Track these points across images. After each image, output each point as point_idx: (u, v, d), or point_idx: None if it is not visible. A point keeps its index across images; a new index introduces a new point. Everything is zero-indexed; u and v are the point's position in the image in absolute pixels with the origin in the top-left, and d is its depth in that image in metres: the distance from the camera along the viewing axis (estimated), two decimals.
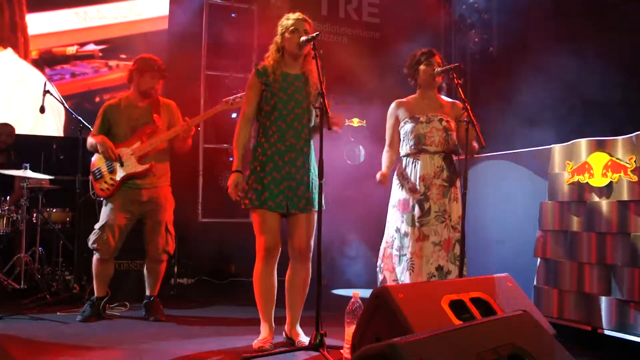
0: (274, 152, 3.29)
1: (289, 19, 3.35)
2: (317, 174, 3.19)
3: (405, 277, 3.44)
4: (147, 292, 4.20)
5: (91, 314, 4.01)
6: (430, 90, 3.65)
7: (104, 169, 4.04)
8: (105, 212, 4.04)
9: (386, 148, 3.74)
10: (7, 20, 5.88)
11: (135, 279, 4.60)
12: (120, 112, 4.11)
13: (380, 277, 3.66)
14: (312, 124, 3.37)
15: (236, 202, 3.35)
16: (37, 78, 5.90)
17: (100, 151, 3.98)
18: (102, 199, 4.11)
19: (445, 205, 3.52)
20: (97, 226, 4.03)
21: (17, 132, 5.51)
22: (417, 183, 3.50)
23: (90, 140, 4.09)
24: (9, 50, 5.90)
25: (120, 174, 4.01)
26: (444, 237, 3.48)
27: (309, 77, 3.36)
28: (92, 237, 4.01)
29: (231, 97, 3.97)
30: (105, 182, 4.02)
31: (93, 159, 4.11)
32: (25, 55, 5.96)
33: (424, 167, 3.51)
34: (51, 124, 5.90)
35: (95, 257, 4.03)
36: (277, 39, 3.37)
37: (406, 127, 3.59)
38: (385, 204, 3.75)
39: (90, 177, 4.12)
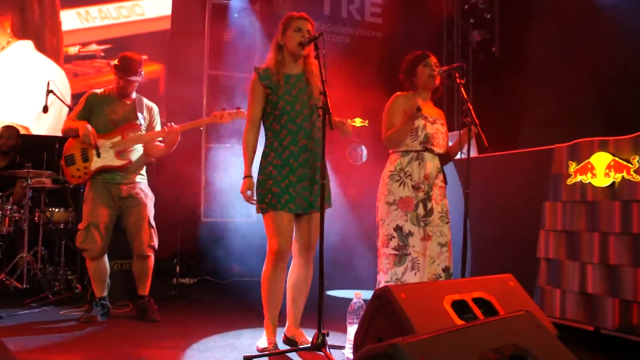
0: (288, 156, 3.29)
1: (292, 18, 3.35)
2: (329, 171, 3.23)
3: (408, 277, 3.38)
4: (139, 292, 4.16)
5: (94, 314, 4.01)
6: (427, 92, 3.62)
7: (78, 156, 4.02)
8: (87, 211, 4.03)
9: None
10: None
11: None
12: (104, 103, 4.11)
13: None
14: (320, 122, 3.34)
15: (239, 201, 3.36)
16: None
17: (81, 134, 3.94)
18: (71, 185, 4.09)
19: (447, 206, 3.51)
20: (81, 226, 4.02)
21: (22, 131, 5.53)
22: (422, 181, 3.47)
23: (68, 124, 4.06)
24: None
25: (95, 164, 4.00)
26: (448, 238, 3.47)
27: (309, 77, 3.36)
28: (79, 238, 4.01)
29: (221, 113, 3.97)
30: (78, 169, 4.01)
31: (67, 144, 4.07)
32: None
33: (429, 166, 3.49)
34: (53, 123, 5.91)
35: (86, 257, 4.03)
36: (279, 37, 3.37)
37: (417, 123, 3.48)
38: None
39: (62, 162, 4.09)
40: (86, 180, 4.03)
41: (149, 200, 4.17)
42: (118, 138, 4.05)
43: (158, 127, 4.27)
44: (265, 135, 3.39)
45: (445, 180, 3.58)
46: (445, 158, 3.61)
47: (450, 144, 3.69)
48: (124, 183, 4.07)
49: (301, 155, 3.30)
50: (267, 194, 3.27)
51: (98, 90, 4.21)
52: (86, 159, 4.01)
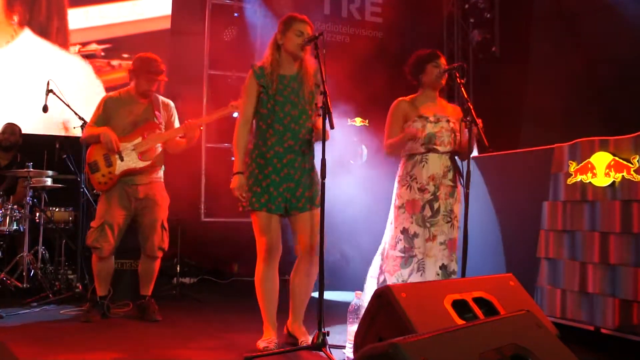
0: (272, 155, 3.29)
1: (294, 20, 3.33)
2: (319, 172, 3.20)
3: (414, 279, 3.41)
4: (142, 292, 4.17)
5: (94, 313, 4.00)
6: (434, 91, 3.64)
7: (102, 162, 4.00)
8: (102, 210, 4.02)
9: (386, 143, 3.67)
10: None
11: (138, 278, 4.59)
12: (121, 106, 4.09)
13: (371, 281, 3.63)
14: (310, 123, 3.37)
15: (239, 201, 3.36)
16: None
17: (103, 141, 3.93)
18: (99, 192, 4.09)
19: (452, 205, 3.51)
20: (95, 224, 4.01)
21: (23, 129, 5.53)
22: (427, 183, 3.48)
23: (90, 131, 4.05)
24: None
25: (119, 168, 3.99)
26: (449, 237, 3.48)
27: (304, 77, 3.37)
28: (91, 236, 3.99)
29: (237, 102, 3.93)
30: (103, 175, 3.99)
31: (89, 151, 4.07)
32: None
33: (434, 167, 3.49)
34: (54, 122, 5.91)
35: (95, 255, 4.02)
36: (278, 37, 3.36)
37: (415, 126, 3.52)
38: (387, 202, 3.72)
39: (86, 170, 4.09)
40: (112, 185, 4.00)
41: (164, 201, 4.18)
42: (139, 139, 4.04)
43: (176, 123, 4.26)
44: (254, 132, 3.38)
45: (459, 177, 3.55)
46: (460, 155, 3.58)
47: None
48: (141, 184, 4.06)
49: (286, 156, 3.30)
50: (247, 192, 3.29)
51: (113, 94, 4.20)
52: (109, 163, 3.99)
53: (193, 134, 4.05)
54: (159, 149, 4.15)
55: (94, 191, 4.28)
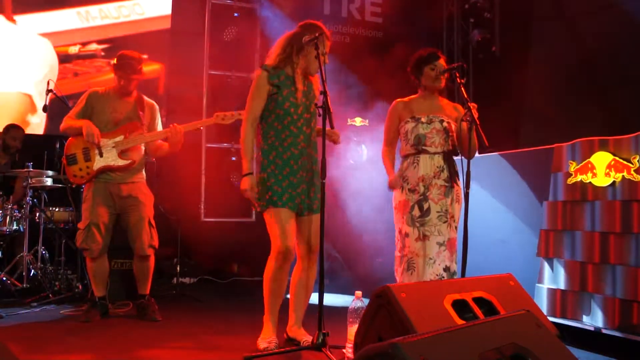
0: (289, 157, 3.30)
1: (324, 36, 3.31)
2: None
3: (405, 277, 3.44)
4: (139, 292, 4.17)
5: (94, 313, 4.00)
6: (433, 92, 3.64)
7: (80, 155, 3.99)
8: (87, 210, 4.01)
9: (385, 147, 3.71)
10: None
11: None
12: (105, 102, 4.09)
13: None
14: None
15: (239, 201, 3.36)
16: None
17: (85, 134, 3.90)
18: (73, 185, 4.10)
19: (447, 205, 3.50)
20: (81, 225, 4.01)
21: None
22: (417, 183, 3.49)
23: (69, 123, 4.02)
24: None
25: (97, 164, 3.98)
26: (447, 237, 3.48)
27: (312, 80, 3.43)
28: (79, 238, 4.00)
29: (223, 113, 3.94)
30: (80, 169, 3.99)
31: (67, 143, 4.05)
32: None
33: (424, 167, 3.51)
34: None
35: (87, 257, 4.03)
36: (306, 42, 3.25)
37: (407, 127, 3.57)
38: (387, 204, 3.74)
39: (63, 161, 4.06)
40: (88, 180, 4.01)
41: (149, 199, 4.16)
42: (120, 137, 4.02)
43: (159, 125, 4.25)
44: (265, 133, 3.36)
45: (457, 177, 3.56)
46: (461, 153, 3.56)
47: None
48: (123, 183, 4.05)
49: (301, 159, 3.33)
50: (267, 192, 3.27)
51: (99, 89, 4.18)
52: (88, 158, 3.99)
53: (177, 139, 4.01)
54: (142, 152, 4.14)
55: (69, 184, 4.27)
